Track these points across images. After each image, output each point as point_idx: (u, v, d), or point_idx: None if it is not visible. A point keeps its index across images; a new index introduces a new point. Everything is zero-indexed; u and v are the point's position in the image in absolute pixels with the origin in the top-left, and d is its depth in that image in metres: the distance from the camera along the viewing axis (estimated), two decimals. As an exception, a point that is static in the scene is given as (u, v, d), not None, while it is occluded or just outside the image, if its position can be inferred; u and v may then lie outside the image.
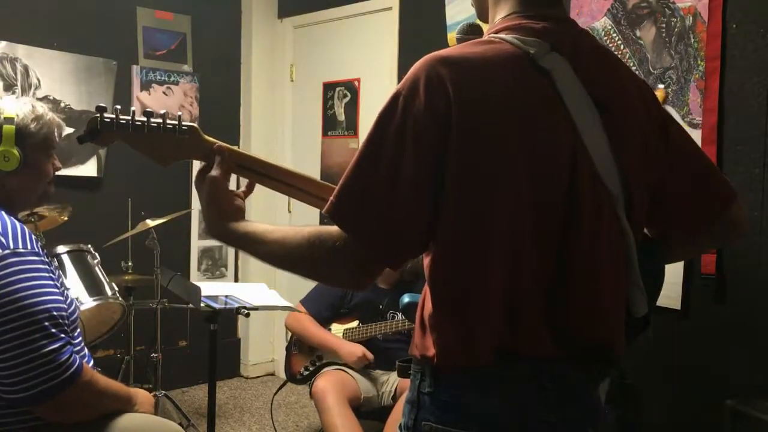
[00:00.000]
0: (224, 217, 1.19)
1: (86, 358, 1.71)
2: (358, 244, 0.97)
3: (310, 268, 1.07)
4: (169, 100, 4.10)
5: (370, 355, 2.88)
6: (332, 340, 2.98)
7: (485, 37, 1.07)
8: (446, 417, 1.02)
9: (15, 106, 1.67)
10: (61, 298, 1.60)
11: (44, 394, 1.50)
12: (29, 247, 1.58)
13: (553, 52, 1.03)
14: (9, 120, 1.64)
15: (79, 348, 1.66)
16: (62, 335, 1.54)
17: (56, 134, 1.74)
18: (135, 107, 3.92)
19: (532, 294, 0.99)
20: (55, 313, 1.54)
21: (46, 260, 1.63)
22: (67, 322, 1.58)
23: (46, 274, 1.59)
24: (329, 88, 4.21)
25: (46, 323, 1.51)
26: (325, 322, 3.06)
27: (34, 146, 1.68)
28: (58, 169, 1.78)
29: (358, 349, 2.88)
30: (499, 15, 1.10)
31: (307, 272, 1.10)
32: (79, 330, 1.72)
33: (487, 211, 0.97)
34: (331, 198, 1.00)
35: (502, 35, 1.04)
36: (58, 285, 1.63)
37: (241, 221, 1.18)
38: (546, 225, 0.99)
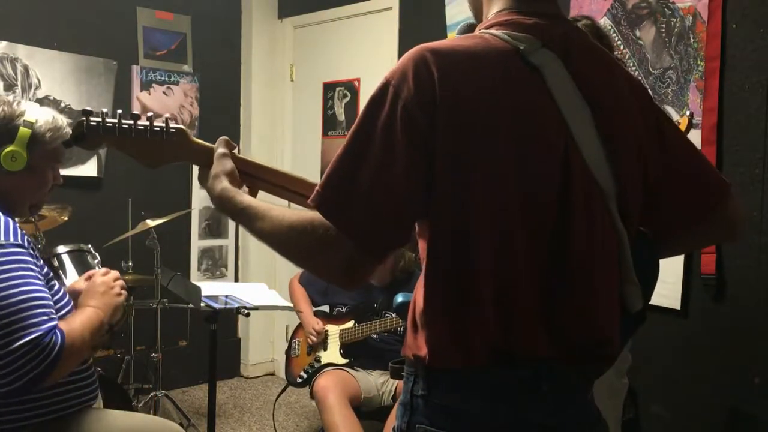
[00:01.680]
0: (230, 184, 1.19)
1: (67, 308, 1.70)
2: (344, 235, 0.96)
3: (299, 255, 1.06)
4: (169, 100, 4.10)
5: (320, 329, 3.07)
6: (302, 316, 3.18)
7: (476, 33, 1.07)
8: (440, 420, 1.01)
9: (37, 112, 1.71)
10: (44, 288, 1.58)
11: (36, 380, 1.50)
12: (12, 239, 1.58)
13: (543, 48, 1.02)
14: (28, 123, 1.67)
15: (59, 313, 1.63)
16: (42, 317, 1.52)
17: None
18: (135, 107, 3.94)
19: (526, 292, 0.99)
20: (34, 303, 1.52)
21: (32, 253, 1.63)
22: (48, 303, 1.56)
23: (29, 266, 1.58)
24: (329, 88, 4.21)
25: (26, 313, 1.50)
26: (313, 304, 3.25)
27: (42, 154, 1.70)
28: (58, 182, 1.80)
29: (315, 325, 3.08)
30: (492, 11, 1.10)
31: (297, 259, 1.08)
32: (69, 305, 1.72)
33: (474, 206, 0.96)
34: (317, 187, 0.98)
35: (492, 31, 1.04)
36: (42, 275, 1.62)
37: (246, 196, 1.17)
38: (537, 223, 0.99)
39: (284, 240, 1.04)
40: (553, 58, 1.02)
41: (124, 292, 1.84)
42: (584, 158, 1.01)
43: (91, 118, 1.21)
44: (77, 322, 1.62)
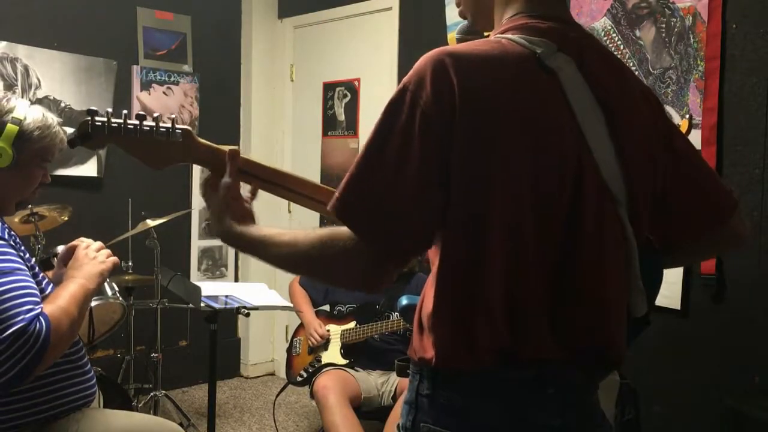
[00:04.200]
0: (238, 222, 1.18)
1: (47, 289, 1.69)
2: (366, 242, 0.96)
3: (322, 269, 1.06)
4: (169, 100, 4.10)
5: (323, 333, 3.07)
6: (304, 317, 3.18)
7: (492, 37, 1.07)
8: (445, 420, 1.01)
9: (27, 110, 1.70)
10: (27, 277, 1.57)
11: (28, 369, 1.49)
12: None
13: (559, 52, 1.02)
14: (16, 120, 1.66)
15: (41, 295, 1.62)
16: (26, 306, 1.51)
17: (57, 148, 1.75)
18: (135, 107, 3.94)
19: (535, 296, 0.99)
20: (17, 293, 1.51)
21: (14, 245, 1.62)
22: (32, 292, 1.55)
23: (11, 257, 1.57)
24: (329, 88, 4.21)
25: (9, 303, 1.49)
26: (313, 304, 3.26)
27: (30, 152, 1.69)
28: (46, 182, 1.79)
29: (317, 329, 3.09)
30: (506, 15, 1.10)
31: (319, 274, 1.09)
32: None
33: (488, 210, 0.96)
34: (336, 194, 0.99)
35: (508, 35, 1.04)
36: (28, 267, 1.62)
37: (253, 226, 1.18)
38: (548, 226, 0.99)
39: (305, 260, 1.06)
40: (568, 62, 1.02)
41: (110, 258, 1.82)
42: (597, 163, 1.01)
43: (96, 118, 1.20)
44: (61, 300, 1.61)
